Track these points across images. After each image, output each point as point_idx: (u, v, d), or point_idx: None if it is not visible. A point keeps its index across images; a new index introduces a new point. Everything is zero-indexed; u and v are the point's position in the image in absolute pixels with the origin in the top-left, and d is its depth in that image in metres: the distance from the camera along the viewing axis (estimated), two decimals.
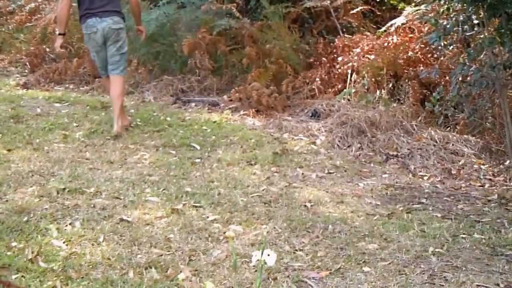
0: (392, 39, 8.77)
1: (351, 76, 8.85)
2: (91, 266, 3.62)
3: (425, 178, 6.30)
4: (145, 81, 9.92)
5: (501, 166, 6.64)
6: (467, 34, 6.60)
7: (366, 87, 8.54)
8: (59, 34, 7.25)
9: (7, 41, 12.61)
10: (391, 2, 10.33)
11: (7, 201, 4.59)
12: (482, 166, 6.60)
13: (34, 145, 6.36)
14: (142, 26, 7.79)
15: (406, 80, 8.39)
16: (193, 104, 9.10)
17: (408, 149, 6.93)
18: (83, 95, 9.54)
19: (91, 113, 8.03)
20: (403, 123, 7.48)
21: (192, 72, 9.86)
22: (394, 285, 3.61)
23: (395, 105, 8.09)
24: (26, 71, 11.24)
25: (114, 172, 5.62)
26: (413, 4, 9.13)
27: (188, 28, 10.17)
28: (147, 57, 10.28)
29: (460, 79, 6.41)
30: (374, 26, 10.11)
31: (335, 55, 9.44)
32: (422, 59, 8.53)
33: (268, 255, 2.24)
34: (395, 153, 6.90)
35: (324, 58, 9.54)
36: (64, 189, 4.93)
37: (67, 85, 10.21)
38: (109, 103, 7.93)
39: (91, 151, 6.33)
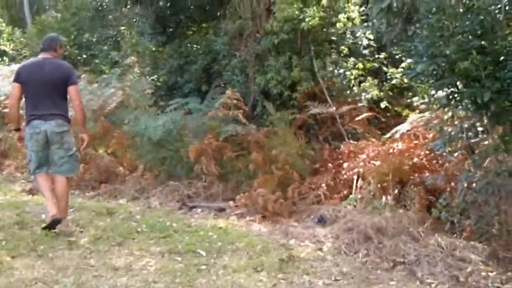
0: (397, 146, 8.83)
1: (357, 182, 8.86)
2: None
3: (433, 285, 6.19)
4: (151, 186, 9.95)
5: (509, 273, 6.52)
6: (472, 141, 6.67)
7: (372, 193, 8.53)
8: (14, 129, 7.38)
9: (14, 146, 12.74)
10: (396, 109, 10.50)
11: None
12: (490, 273, 6.49)
13: (38, 251, 6.32)
14: (85, 135, 7.48)
15: (412, 186, 8.37)
16: (199, 209, 9.08)
17: (415, 256, 6.83)
18: (89, 200, 9.55)
19: (97, 219, 8.00)
20: (410, 230, 7.41)
21: (198, 177, 9.90)
22: None
23: (401, 211, 8.04)
24: (32, 176, 11.30)
25: (119, 279, 5.55)
26: (417, 111, 9.26)
27: (195, 134, 10.29)
28: (154, 162, 10.36)
29: (465, 185, 6.42)
30: (379, 133, 10.21)
31: (341, 161, 9.49)
32: (428, 166, 8.55)
33: None
34: (402, 259, 6.81)
35: (330, 164, 9.59)
36: None
37: (72, 191, 10.21)
38: (115, 209, 7.94)
39: (95, 257, 6.28)
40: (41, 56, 7.28)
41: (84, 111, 7.37)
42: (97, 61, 16.87)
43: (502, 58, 6.04)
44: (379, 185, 8.54)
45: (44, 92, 7.02)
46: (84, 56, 17.20)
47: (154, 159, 10.36)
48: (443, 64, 6.08)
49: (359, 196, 8.62)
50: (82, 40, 17.68)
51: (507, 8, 6.18)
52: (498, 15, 6.15)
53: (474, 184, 6.55)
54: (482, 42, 6.00)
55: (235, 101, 10.45)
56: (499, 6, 6.21)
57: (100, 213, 8.43)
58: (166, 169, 10.35)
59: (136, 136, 10.47)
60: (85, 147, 7.61)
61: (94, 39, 17.95)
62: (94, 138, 10.96)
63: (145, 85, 12.43)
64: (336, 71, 11.31)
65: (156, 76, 14.60)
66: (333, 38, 11.70)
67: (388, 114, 10.81)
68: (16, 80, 7.16)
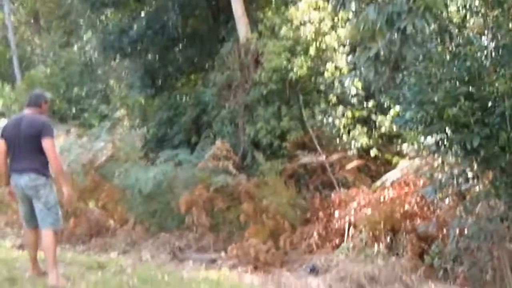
0: (388, 193, 8.83)
1: (348, 230, 8.83)
2: None
3: None
4: (142, 239, 9.87)
5: None
6: (462, 187, 6.68)
7: (364, 241, 8.49)
8: (4, 184, 7.36)
9: (4, 202, 12.65)
10: (386, 156, 10.53)
11: None
12: None
13: None
14: (65, 188, 7.12)
15: (404, 234, 8.35)
16: (191, 261, 9.01)
17: None
18: (80, 255, 9.43)
19: (88, 274, 7.88)
20: (403, 278, 7.38)
21: (190, 229, 9.84)
22: None
23: (394, 259, 8.00)
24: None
25: None
26: (407, 158, 9.29)
27: (185, 185, 10.26)
28: (144, 215, 10.30)
29: (457, 232, 6.42)
30: (370, 180, 10.21)
31: (332, 210, 9.47)
32: (419, 213, 8.54)
33: None
34: None
35: (321, 213, 9.56)
36: None
37: (63, 245, 10.12)
38: (106, 263, 7.84)
39: None
40: (25, 111, 7.33)
41: (59, 164, 7.26)
42: (86, 115, 16.88)
43: (490, 104, 6.10)
44: (370, 233, 8.51)
45: (21, 146, 7.07)
46: (74, 110, 17.22)
47: (144, 212, 10.30)
48: (431, 111, 6.13)
49: (351, 244, 8.58)
50: (72, 94, 17.72)
51: (493, 54, 6.26)
52: (484, 62, 6.23)
53: (466, 230, 6.55)
54: (470, 89, 6.06)
55: (225, 152, 10.45)
56: (485, 52, 6.30)
57: (91, 267, 8.31)
58: (157, 221, 10.28)
59: (127, 189, 10.42)
60: (68, 200, 7.49)
61: (83, 93, 18.00)
62: (84, 192, 10.92)
63: (135, 137, 12.43)
64: (325, 120, 11.38)
65: (145, 128, 14.62)
66: (322, 87, 11.80)
67: (378, 162, 10.84)
68: (1, 136, 7.20)
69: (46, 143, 7.01)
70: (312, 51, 11.11)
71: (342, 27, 11.61)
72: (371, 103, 11.29)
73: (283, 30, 11.37)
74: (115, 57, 15.04)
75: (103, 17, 15.10)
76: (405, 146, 9.56)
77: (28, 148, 7.09)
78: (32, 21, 26.06)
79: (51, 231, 7.06)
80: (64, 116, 16.92)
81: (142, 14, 13.80)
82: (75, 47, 20.90)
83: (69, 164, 10.88)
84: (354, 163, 10.37)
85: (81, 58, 18.81)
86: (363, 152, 10.91)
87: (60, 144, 11.72)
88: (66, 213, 10.57)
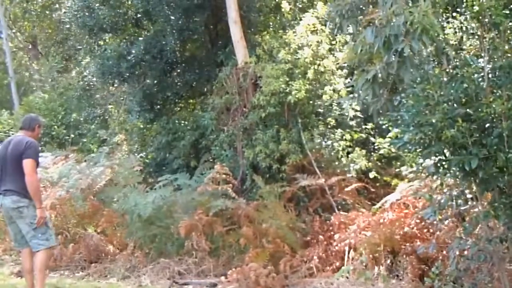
0: (388, 215, 8.83)
1: (348, 253, 8.81)
2: None
3: None
4: (141, 264, 9.82)
5: None
6: (462, 208, 6.68)
7: (364, 264, 8.48)
8: None
9: (2, 228, 12.61)
10: (385, 178, 10.55)
11: None
12: None
13: None
14: (39, 210, 7.22)
15: (404, 256, 8.34)
16: (190, 286, 8.97)
17: None
18: (79, 281, 9.41)
19: None
20: None
21: (189, 254, 9.80)
22: None
23: (394, 281, 7.99)
24: (21, 258, 11.15)
25: None
26: (406, 180, 9.31)
27: (185, 209, 10.25)
28: (144, 240, 10.26)
29: (457, 253, 6.40)
30: (369, 203, 10.23)
31: (332, 233, 9.46)
32: (419, 234, 8.54)
33: None
34: None
35: (321, 236, 9.55)
36: None
37: (62, 272, 10.08)
38: None
39: None
40: (18, 134, 7.46)
41: (35, 185, 7.26)
42: (85, 140, 16.89)
43: (487, 125, 6.12)
44: (371, 256, 8.49)
45: (7, 168, 7.22)
46: (72, 135, 17.22)
47: (144, 237, 10.26)
48: (429, 133, 6.14)
49: (351, 267, 8.56)
50: (70, 119, 17.74)
51: (490, 76, 6.28)
52: (481, 83, 6.25)
53: (466, 252, 6.53)
54: (467, 110, 6.08)
55: (224, 176, 10.46)
56: (482, 74, 6.32)
57: None
58: (156, 246, 10.24)
59: (126, 214, 10.39)
60: (39, 222, 7.48)
61: (81, 118, 18.03)
62: (83, 217, 10.90)
63: (133, 162, 12.43)
64: (324, 142, 11.41)
65: (144, 153, 14.65)
66: (320, 110, 11.85)
67: (377, 184, 10.86)
68: None
69: (25, 162, 7.11)
70: (310, 74, 11.16)
71: (339, 50, 11.70)
72: (369, 126, 11.35)
73: (281, 54, 11.43)
74: (113, 82, 15.09)
75: (101, 42, 15.15)
76: (404, 168, 9.58)
77: (13, 169, 7.22)
78: (30, 46, 26.19)
79: (41, 253, 7.11)
80: (63, 141, 16.93)
81: (140, 39, 13.84)
82: (73, 73, 20.98)
83: (68, 189, 10.88)
84: (353, 186, 10.39)
85: (80, 83, 18.84)
86: (362, 175, 10.94)
87: (58, 170, 11.74)
88: (65, 239, 10.57)
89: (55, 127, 17.10)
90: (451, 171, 6.36)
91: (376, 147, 11.12)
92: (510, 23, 6.60)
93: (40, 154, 7.76)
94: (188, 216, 9.86)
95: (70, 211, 10.38)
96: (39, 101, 18.82)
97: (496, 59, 6.41)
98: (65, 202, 10.68)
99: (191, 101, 15.14)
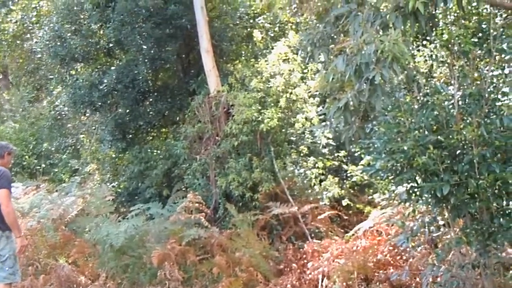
0: (361, 243, 8.85)
1: (322, 281, 8.79)
2: None
3: None
4: None
5: None
6: (434, 235, 6.72)
7: None
8: None
9: None
10: (357, 206, 10.59)
11: None
12: None
13: None
14: (18, 239, 7.31)
15: (377, 283, 8.34)
16: None
17: None
18: None
19: None
20: None
21: (162, 283, 9.70)
22: None
23: None
24: None
25: None
26: (379, 207, 9.36)
27: (157, 239, 10.17)
28: (116, 270, 10.14)
29: (430, 280, 6.43)
30: (342, 230, 10.26)
31: (305, 261, 9.44)
32: (392, 262, 8.56)
33: None
34: None
35: (294, 264, 9.53)
36: None
37: None
38: None
39: None
40: None
41: (12, 215, 7.21)
42: (56, 170, 16.76)
43: (458, 151, 6.19)
44: (344, 284, 8.48)
45: None
46: (43, 165, 17.08)
47: (116, 267, 10.15)
48: (401, 160, 6.19)
49: None
50: (41, 149, 17.61)
51: (460, 103, 6.37)
52: (452, 110, 6.34)
53: (439, 278, 6.56)
54: (438, 137, 6.14)
55: (197, 205, 10.42)
56: (452, 101, 6.41)
57: None
58: (129, 276, 10.13)
59: (98, 244, 10.29)
60: (20, 251, 7.41)
61: (53, 148, 17.89)
62: (55, 248, 10.76)
63: (105, 192, 12.34)
64: (296, 170, 11.46)
65: (116, 182, 14.55)
66: (292, 138, 11.90)
67: (350, 212, 10.91)
68: None
69: None
70: (282, 102, 11.21)
71: (311, 78, 11.78)
72: (342, 153, 11.41)
73: (253, 82, 11.48)
74: (85, 112, 15.00)
75: (73, 72, 15.08)
76: (376, 195, 9.64)
77: None
78: (0, 76, 25.98)
79: (2, 285, 7.04)
80: (34, 171, 16.79)
81: (113, 68, 13.83)
82: (45, 102, 20.84)
83: (39, 219, 10.76)
84: (327, 213, 10.41)
85: (51, 112, 18.71)
86: (335, 202, 10.98)
87: (29, 200, 11.62)
88: (36, 270, 10.42)
89: (26, 157, 16.96)
90: (423, 198, 6.41)
91: (348, 175, 11.17)
92: (479, 51, 6.71)
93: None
94: (160, 246, 9.79)
95: (41, 241, 10.24)
96: (9, 131, 18.68)
97: (465, 87, 6.51)
98: (36, 233, 10.54)
99: (164, 130, 15.11)
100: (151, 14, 12.83)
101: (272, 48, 12.28)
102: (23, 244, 7.17)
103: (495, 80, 6.54)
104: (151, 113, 14.10)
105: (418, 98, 6.80)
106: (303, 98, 11.63)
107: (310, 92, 11.64)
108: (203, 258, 9.99)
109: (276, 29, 14.86)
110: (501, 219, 6.03)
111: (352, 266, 8.50)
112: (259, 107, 11.10)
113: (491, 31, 6.58)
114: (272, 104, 11.22)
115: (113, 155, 15.32)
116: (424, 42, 7.79)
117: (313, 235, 10.25)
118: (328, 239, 9.64)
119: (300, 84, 11.57)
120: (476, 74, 6.64)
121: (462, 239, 6.12)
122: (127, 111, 14.06)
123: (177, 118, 14.16)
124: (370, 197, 10.36)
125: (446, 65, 7.27)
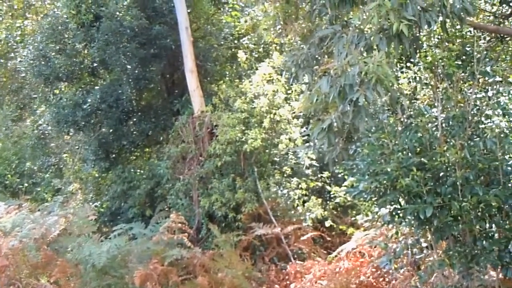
0: (344, 264, 8.85)
1: None
2: None
3: None
4: None
5: None
6: (417, 257, 6.74)
7: None
8: None
9: None
10: (340, 227, 10.59)
11: None
12: None
13: None
14: None
15: None
16: None
17: None
18: None
19: None
20: None
21: None
22: None
23: None
24: None
25: None
26: (362, 229, 9.37)
27: (140, 259, 10.10)
28: None
29: None
30: (325, 252, 10.26)
31: (288, 282, 9.43)
32: (374, 283, 8.55)
33: None
34: None
35: (276, 286, 9.51)
36: None
37: None
38: None
39: None
40: None
41: None
42: (39, 189, 16.63)
43: (441, 174, 6.22)
44: None
45: None
46: (26, 184, 16.94)
47: (98, 287, 10.06)
48: (384, 181, 6.22)
49: None
50: (24, 168, 17.48)
51: (443, 125, 6.41)
52: (435, 133, 6.38)
53: None
54: (422, 159, 6.18)
55: (179, 225, 10.37)
56: (436, 123, 6.45)
57: None
58: None
59: (80, 264, 10.20)
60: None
61: (35, 167, 17.77)
62: (36, 268, 10.64)
63: (88, 211, 12.23)
64: (280, 191, 11.45)
65: (99, 202, 14.46)
66: (276, 159, 11.91)
67: (333, 233, 10.90)
68: None
69: None
70: (266, 123, 11.23)
71: (295, 99, 11.82)
72: (325, 174, 11.44)
73: (237, 103, 11.50)
74: (68, 131, 14.92)
75: (57, 91, 15.03)
76: (359, 217, 9.65)
77: None
78: None
79: None
80: (16, 190, 16.65)
81: (97, 88, 13.81)
82: (28, 121, 20.73)
83: (21, 239, 10.65)
84: (309, 235, 10.40)
85: (34, 132, 18.60)
86: (318, 223, 10.98)
87: (11, 219, 11.51)
88: None
89: (9, 176, 16.83)
90: (406, 220, 6.43)
91: (332, 196, 11.19)
92: (463, 74, 6.77)
93: None
94: (143, 266, 9.72)
95: (22, 261, 10.13)
96: None
97: (449, 109, 6.56)
98: (18, 252, 10.42)
99: (147, 149, 15.07)
100: (136, 34, 12.84)
101: (257, 69, 12.33)
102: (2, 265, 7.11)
103: (478, 102, 6.60)
104: (134, 132, 14.06)
105: (402, 120, 6.85)
106: (287, 119, 11.66)
107: (294, 113, 11.67)
108: (186, 278, 9.93)
109: (261, 50, 14.92)
110: (484, 242, 6.06)
111: None
112: (243, 128, 11.12)
113: (475, 53, 6.64)
114: (256, 125, 11.24)
115: (96, 175, 15.23)
116: (408, 64, 7.85)
117: (295, 256, 10.23)
118: (311, 260, 9.62)
119: (284, 105, 11.61)
120: (459, 97, 6.70)
121: (445, 261, 6.13)
122: (111, 130, 14.01)
123: (161, 138, 14.14)
124: (353, 218, 10.37)
125: (430, 87, 7.33)
